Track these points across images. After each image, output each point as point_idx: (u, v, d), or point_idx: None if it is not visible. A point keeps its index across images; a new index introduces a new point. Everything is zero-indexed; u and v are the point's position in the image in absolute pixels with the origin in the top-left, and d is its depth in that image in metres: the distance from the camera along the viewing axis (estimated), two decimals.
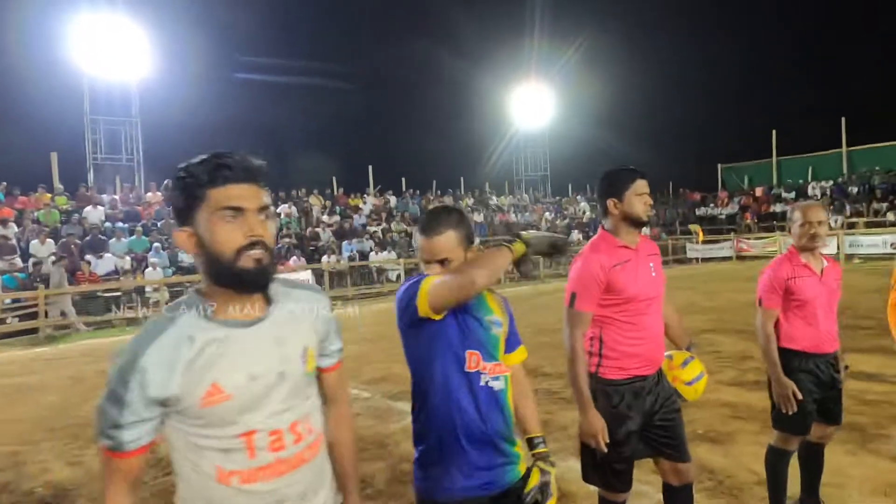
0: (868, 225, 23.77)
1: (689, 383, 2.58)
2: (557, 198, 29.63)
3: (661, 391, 2.45)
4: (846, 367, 2.99)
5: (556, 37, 30.27)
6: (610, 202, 2.44)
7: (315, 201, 20.30)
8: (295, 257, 16.29)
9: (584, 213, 27.92)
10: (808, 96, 31.22)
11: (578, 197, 29.81)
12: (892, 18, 29.03)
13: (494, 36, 31.56)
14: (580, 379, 2.31)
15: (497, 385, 1.74)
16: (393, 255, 18.33)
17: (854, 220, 24.51)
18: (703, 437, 4.38)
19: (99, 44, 17.65)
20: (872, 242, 21.68)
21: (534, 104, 29.97)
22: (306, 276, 15.24)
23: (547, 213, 26.26)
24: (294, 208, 19.06)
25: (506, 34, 33.71)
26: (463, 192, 25.71)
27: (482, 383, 1.72)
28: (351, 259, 17.72)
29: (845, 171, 27.91)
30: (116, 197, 17.19)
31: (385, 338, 9.80)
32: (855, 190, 26.07)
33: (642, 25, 34.73)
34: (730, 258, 25.15)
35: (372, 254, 18.08)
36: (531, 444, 1.86)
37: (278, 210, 18.93)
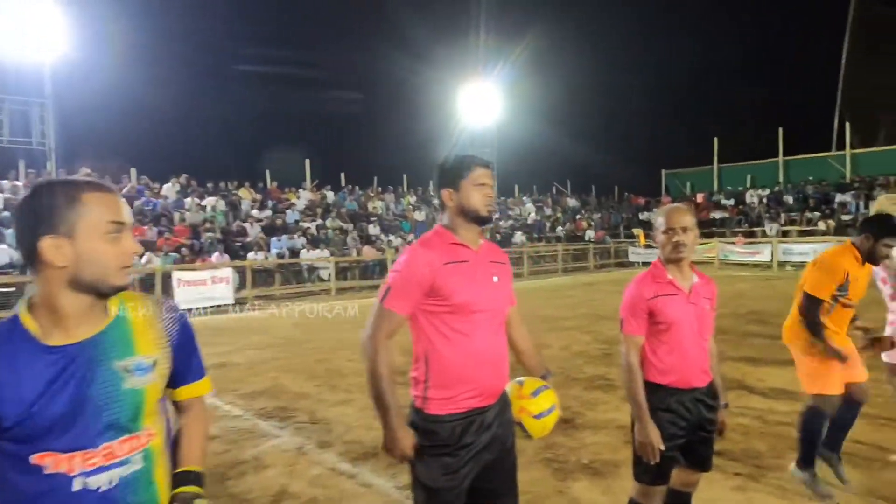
0: (801, 234, 24.37)
1: (538, 416, 2.11)
2: (503, 198, 29.32)
3: (499, 428, 2.01)
4: (725, 405, 2.53)
5: (504, 36, 29.95)
6: (445, 193, 2.03)
7: (245, 194, 19.29)
8: (217, 253, 15.32)
9: (529, 214, 27.72)
10: (750, 105, 31.97)
11: (525, 198, 29.62)
12: (830, 32, 29.90)
13: (442, 32, 30.96)
14: (384, 395, 1.92)
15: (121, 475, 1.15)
16: (326, 252, 17.55)
17: (788, 228, 25.10)
18: (586, 469, 3.90)
19: (6, 18, 16.18)
20: (803, 251, 22.18)
21: (482, 103, 29.51)
22: (227, 273, 14.33)
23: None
24: (221, 201, 18.02)
25: (453, 31, 33.24)
26: (406, 189, 25.05)
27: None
28: (280, 256, 16.85)
29: (781, 179, 28.62)
30: (20, 183, 15.81)
31: (294, 343, 9.10)
32: (790, 199, 26.72)
33: (591, 28, 34.84)
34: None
35: (303, 251, 17.25)
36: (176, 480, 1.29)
37: (203, 203, 17.87)
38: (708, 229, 27.52)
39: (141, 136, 20.86)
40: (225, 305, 14.12)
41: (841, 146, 27.96)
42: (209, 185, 18.66)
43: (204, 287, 13.91)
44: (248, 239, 17.04)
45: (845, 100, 29.20)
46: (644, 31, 35.46)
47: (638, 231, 28.56)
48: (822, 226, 24.04)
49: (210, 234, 16.15)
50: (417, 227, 22.01)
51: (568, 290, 16.47)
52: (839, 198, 25.14)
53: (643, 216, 30.96)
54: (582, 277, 21.45)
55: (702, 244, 25.55)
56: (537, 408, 2.11)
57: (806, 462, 3.37)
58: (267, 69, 25.51)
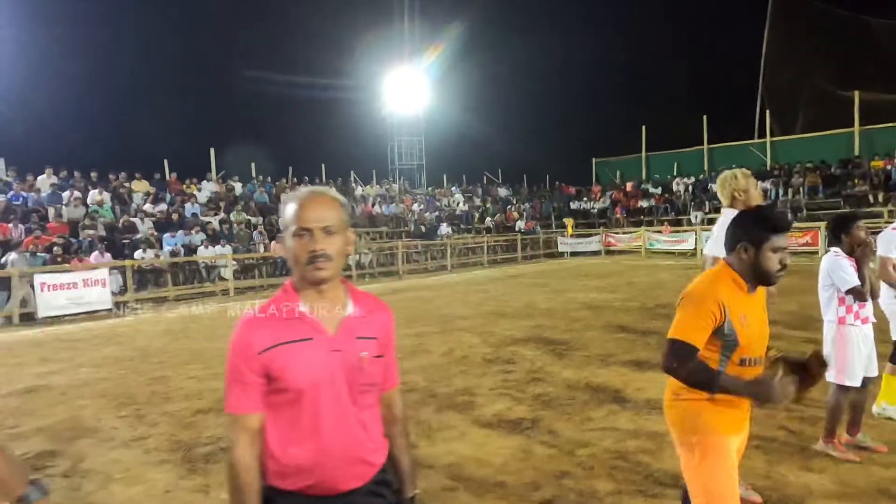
0: None
1: None
2: (431, 188, 28.43)
3: None
4: (412, 500, 1.63)
5: (432, 23, 28.97)
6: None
7: (139, 187, 17.60)
8: (97, 253, 13.73)
9: (457, 205, 26.92)
10: (676, 94, 32.15)
11: (454, 189, 28.81)
12: (752, 23, 30.32)
13: (366, 17, 29.46)
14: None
15: None
16: (228, 249, 16.16)
17: (713, 216, 25.24)
18: None
19: None
20: None
21: (409, 91, 28.50)
22: (103, 275, 12.82)
23: (416, 205, 24.93)
24: (106, 195, 16.30)
25: (378, 16, 31.78)
26: (324, 179, 23.74)
27: None
28: (174, 254, 15.37)
29: (706, 167, 28.87)
30: None
31: (144, 356, 7.83)
32: (714, 187, 26.90)
33: (523, 18, 34.28)
34: (598, 252, 25.17)
35: (201, 248, 15.80)
36: None
37: (87, 196, 16.13)
38: (636, 218, 27.51)
39: (12, 123, 18.67)
40: (101, 311, 12.64)
41: (763, 134, 28.40)
42: (93, 176, 16.84)
43: (74, 291, 12.38)
44: (138, 236, 15.45)
45: (766, 89, 29.68)
46: (575, 20, 35.16)
47: (568, 220, 28.29)
48: None
49: (90, 232, 14.50)
50: None
51: (486, 284, 15.73)
52: (760, 185, 25.39)
53: (574, 205, 30.74)
54: (508, 269, 20.81)
55: (628, 233, 25.48)
56: None
57: None
58: (167, 47, 23.43)
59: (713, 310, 1.96)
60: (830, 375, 3.65)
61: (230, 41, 26.13)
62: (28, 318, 12.00)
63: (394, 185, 26.38)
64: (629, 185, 30.08)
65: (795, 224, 22.02)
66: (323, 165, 24.02)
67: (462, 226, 24.89)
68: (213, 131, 20.72)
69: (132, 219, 16.02)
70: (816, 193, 23.87)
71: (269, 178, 21.21)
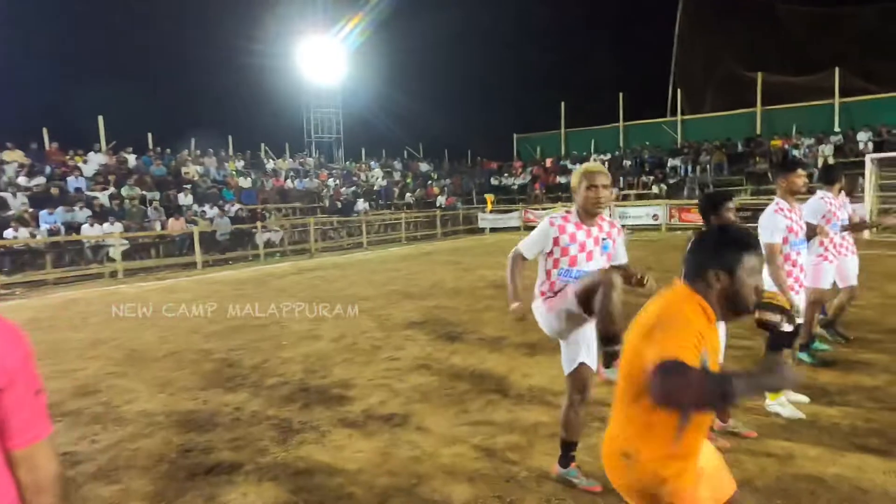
0: (638, 197, 25.22)
1: None
2: (348, 162, 27.49)
3: None
4: None
5: None
6: None
7: (11, 157, 15.78)
8: None
9: (376, 179, 26.18)
10: (595, 72, 32.51)
11: (372, 163, 27.99)
12: (667, 4, 31.00)
13: None
14: None
15: None
16: (118, 227, 14.79)
17: (627, 192, 25.86)
18: None
19: None
20: (637, 214, 22.91)
21: (326, 61, 27.23)
22: None
23: (332, 180, 23.99)
24: None
25: None
26: (232, 152, 22.33)
27: None
28: (52, 233, 13.91)
29: (622, 144, 29.51)
30: None
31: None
32: (629, 163, 27.57)
33: None
34: (518, 228, 25.26)
35: (86, 226, 14.38)
36: None
37: None
38: (555, 194, 27.79)
39: None
40: None
41: (675, 113, 29.27)
42: None
43: None
44: (10, 213, 13.86)
45: (678, 69, 30.54)
46: None
47: (488, 196, 28.21)
48: (655, 189, 25.04)
49: None
50: (243, 195, 19.66)
51: (398, 262, 15.27)
52: (671, 162, 26.30)
53: (495, 181, 30.70)
54: (424, 246, 20.43)
55: (547, 209, 25.71)
56: None
57: None
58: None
59: (696, 338, 1.61)
60: None
61: None
62: None
63: (309, 160, 25.26)
64: (549, 162, 30.33)
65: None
66: (230, 137, 22.54)
67: (381, 202, 24.24)
68: (104, 97, 18.76)
69: (2, 193, 14.34)
70: (722, 171, 24.88)
71: (168, 150, 19.63)
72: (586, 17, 34.40)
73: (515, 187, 29.57)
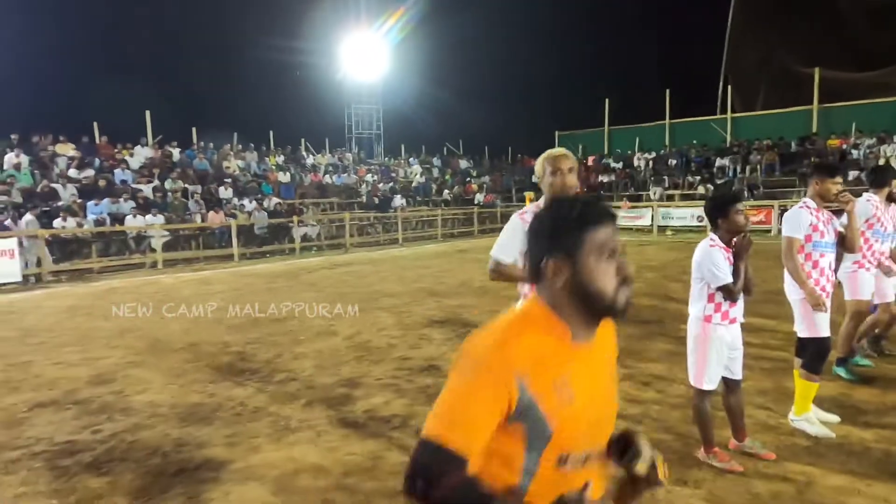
0: (683, 198, 24.39)
1: None
2: (388, 158, 27.57)
3: None
4: None
5: None
6: None
7: (63, 150, 16.45)
8: (9, 220, 12.73)
9: (414, 176, 26.18)
10: (640, 68, 31.64)
11: (411, 160, 28.00)
12: (715, 5, 29.85)
13: None
14: None
15: None
16: (160, 218, 15.23)
17: (672, 192, 25.05)
18: None
19: None
20: (681, 215, 22.15)
21: (366, 57, 27.38)
22: (10, 245, 11.88)
23: (370, 176, 24.11)
24: (24, 157, 15.15)
25: None
26: (273, 147, 22.70)
27: None
28: (99, 223, 14.43)
29: (667, 143, 28.60)
30: None
31: (9, 342, 7.05)
32: (674, 162, 26.70)
33: None
34: None
35: (129, 217, 14.86)
36: None
37: (3, 160, 14.98)
38: (596, 193, 27.17)
39: None
40: (9, 284, 11.75)
41: (725, 110, 28.17)
42: (14, 138, 15.64)
43: None
44: (60, 203, 14.44)
45: (729, 65, 29.38)
46: None
47: (528, 194, 27.80)
48: (701, 189, 24.15)
49: (3, 198, 13.46)
50: (282, 189, 19.97)
51: (431, 259, 15.20)
52: (719, 162, 25.31)
53: (536, 179, 30.25)
54: (460, 244, 20.31)
55: None
56: None
57: None
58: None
59: (501, 387, 1.12)
60: (691, 378, 3.24)
61: None
62: None
63: (347, 155, 25.47)
64: (591, 160, 29.69)
65: (752, 202, 22.06)
66: (271, 132, 22.93)
67: (418, 198, 24.22)
68: (150, 93, 19.39)
69: (53, 185, 14.95)
70: (774, 171, 23.79)
71: (210, 145, 20.12)
72: (633, 11, 33.48)
73: None
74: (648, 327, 6.58)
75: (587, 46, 31.95)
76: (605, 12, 32.52)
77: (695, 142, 27.17)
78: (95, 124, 18.15)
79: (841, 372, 4.58)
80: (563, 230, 1.19)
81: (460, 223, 23.92)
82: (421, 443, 1.11)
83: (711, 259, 3.09)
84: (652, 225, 22.18)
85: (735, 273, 3.07)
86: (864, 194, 4.67)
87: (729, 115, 27.57)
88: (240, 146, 21.25)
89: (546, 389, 1.14)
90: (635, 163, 28.01)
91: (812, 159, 23.08)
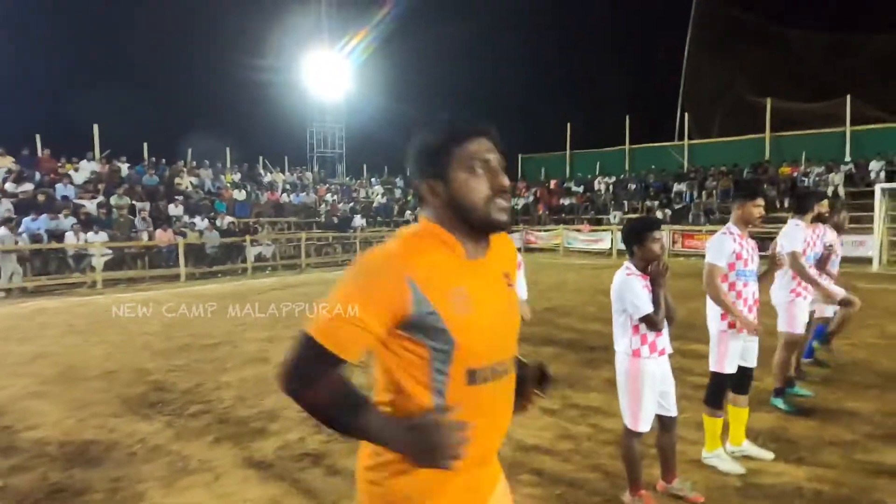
0: None
1: None
2: (349, 178, 27.25)
3: None
4: None
5: (357, 5, 27.70)
6: None
7: (2, 163, 15.65)
8: None
9: (375, 196, 25.89)
10: (602, 93, 32.23)
11: (373, 180, 27.73)
12: (675, 26, 30.77)
13: None
14: None
15: None
16: (102, 236, 14.55)
17: (631, 216, 25.34)
18: None
19: None
20: None
21: (330, 76, 27.19)
22: None
23: (330, 195, 23.72)
24: None
25: None
26: (229, 165, 22.14)
27: None
28: (35, 240, 13.69)
29: (627, 167, 29.03)
30: None
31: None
32: (633, 186, 27.07)
33: (448, 6, 33.39)
34: (519, 250, 24.64)
35: (69, 234, 14.14)
36: None
37: None
38: (557, 216, 27.34)
39: None
40: None
41: (682, 137, 28.80)
42: None
43: None
44: None
45: (686, 93, 30.16)
46: (505, 14, 34.65)
47: None
48: (659, 214, 24.48)
49: None
50: (237, 208, 19.42)
51: None
52: (676, 187, 25.77)
53: None
54: None
55: (549, 230, 25.25)
56: None
57: None
58: (50, 4, 20.67)
59: (391, 289, 1.11)
60: (625, 418, 3.00)
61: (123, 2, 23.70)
62: None
63: (307, 174, 25.05)
64: (553, 183, 29.91)
65: (707, 226, 22.44)
66: (228, 149, 22.35)
67: (379, 218, 23.91)
68: (99, 105, 18.70)
69: None
70: (728, 196, 24.29)
71: (163, 161, 19.46)
72: (595, 37, 34.22)
73: (519, 208, 29.14)
74: (594, 353, 6.39)
75: (552, 70, 32.46)
76: (568, 37, 33.17)
77: (653, 167, 27.64)
78: (38, 136, 17.35)
79: (778, 403, 4.44)
80: (432, 150, 1.22)
81: None
82: (299, 339, 1.13)
83: (630, 289, 2.90)
84: (611, 249, 22.33)
85: (655, 301, 2.88)
86: (790, 220, 4.60)
87: (686, 141, 28.18)
88: (193, 162, 20.64)
89: (442, 296, 1.14)
90: (596, 186, 28.31)
91: (765, 186, 23.69)
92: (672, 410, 3.05)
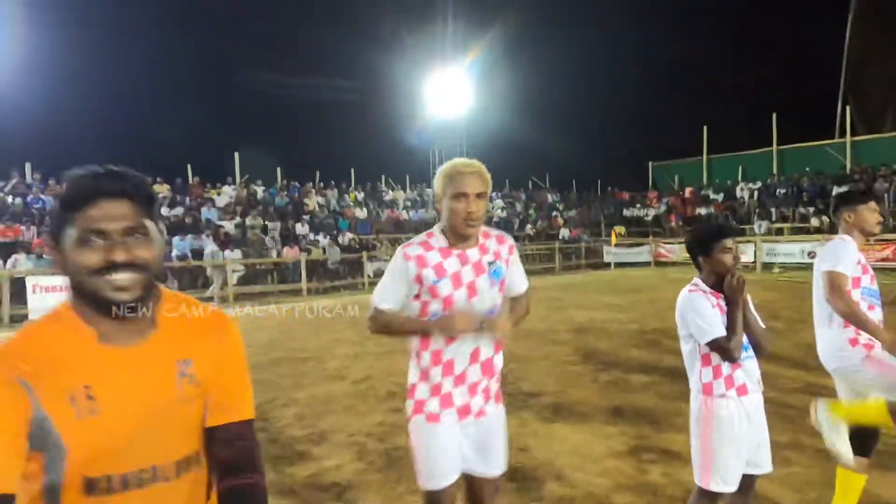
0: (794, 231, 21.90)
1: None
2: None
3: None
4: None
5: (476, 21, 27.96)
6: None
7: (158, 190, 17.73)
8: None
9: (495, 210, 25.67)
10: (742, 90, 29.32)
11: (494, 194, 27.55)
12: (830, 7, 27.15)
13: (407, 14, 28.46)
14: None
15: None
16: (236, 253, 15.87)
17: (780, 225, 22.62)
18: None
19: None
20: (789, 251, 19.81)
21: (450, 92, 27.60)
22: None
23: None
24: None
25: (420, 14, 30.84)
26: (354, 184, 23.23)
27: None
28: (181, 258, 15.26)
29: (775, 171, 26.03)
30: None
31: None
32: (782, 192, 24.18)
33: (570, 13, 32.45)
34: (648, 264, 23.13)
35: (207, 252, 15.59)
36: None
37: None
38: (692, 227, 25.22)
39: (38, 128, 19.37)
40: None
41: (843, 133, 25.25)
42: None
43: (63, 294, 12.36)
44: None
45: (849, 84, 26.43)
46: (626, 13, 32.92)
47: (620, 229, 26.31)
48: (815, 222, 21.55)
49: None
50: (358, 225, 20.26)
51: None
52: (836, 190, 22.51)
53: (628, 212, 28.68)
54: (535, 281, 19.39)
55: (681, 243, 23.29)
56: None
57: None
58: (190, 49, 23.30)
59: (10, 395, 0.97)
60: (695, 472, 2.37)
61: (258, 41, 26.12)
62: (22, 319, 12.09)
63: (428, 190, 25.53)
64: (688, 191, 27.68)
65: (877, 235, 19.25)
66: (352, 169, 23.53)
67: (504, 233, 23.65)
68: (239, 135, 20.69)
69: None
70: None
71: (296, 183, 20.95)
72: (730, 26, 31.25)
73: (649, 219, 27.33)
74: None
75: (682, 71, 30.23)
76: (698, 29, 30.69)
77: (807, 169, 24.48)
78: (189, 166, 19.57)
79: None
80: (52, 214, 1.11)
81: (542, 259, 22.98)
82: None
83: (693, 308, 2.32)
84: (755, 262, 19.99)
85: (730, 324, 2.26)
86: None
87: (848, 138, 24.61)
88: (321, 183, 21.98)
89: (57, 398, 1.00)
90: (738, 194, 25.71)
91: None
92: (764, 466, 2.37)
